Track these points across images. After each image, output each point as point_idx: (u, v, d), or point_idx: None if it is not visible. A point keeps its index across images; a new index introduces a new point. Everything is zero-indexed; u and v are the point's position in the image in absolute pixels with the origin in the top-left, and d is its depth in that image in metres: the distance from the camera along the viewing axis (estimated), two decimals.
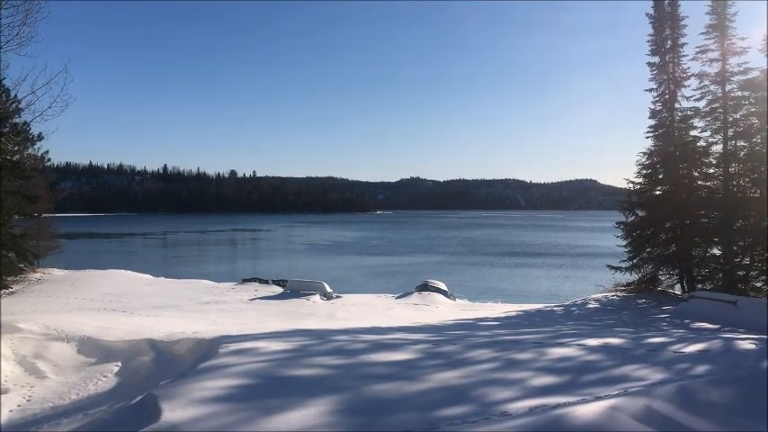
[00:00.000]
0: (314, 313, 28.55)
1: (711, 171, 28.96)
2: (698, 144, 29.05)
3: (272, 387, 7.02)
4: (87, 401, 9.88)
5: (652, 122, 30.16)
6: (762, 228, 25.74)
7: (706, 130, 28.70)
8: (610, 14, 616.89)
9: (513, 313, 27.25)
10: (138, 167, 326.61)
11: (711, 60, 27.65)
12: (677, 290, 29.31)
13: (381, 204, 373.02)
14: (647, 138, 30.45)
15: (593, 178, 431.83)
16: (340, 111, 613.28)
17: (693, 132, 29.40)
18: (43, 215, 44.24)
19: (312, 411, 6.00)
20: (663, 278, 30.10)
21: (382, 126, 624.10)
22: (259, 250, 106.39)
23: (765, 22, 30.32)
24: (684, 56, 29.37)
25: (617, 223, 31.14)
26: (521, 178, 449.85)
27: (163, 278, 44.55)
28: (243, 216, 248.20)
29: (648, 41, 30.03)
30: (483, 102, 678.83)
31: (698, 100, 28.59)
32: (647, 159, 30.36)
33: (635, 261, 29.70)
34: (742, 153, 27.29)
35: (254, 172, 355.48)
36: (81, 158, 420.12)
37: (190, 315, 24.93)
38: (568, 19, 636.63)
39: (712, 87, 27.88)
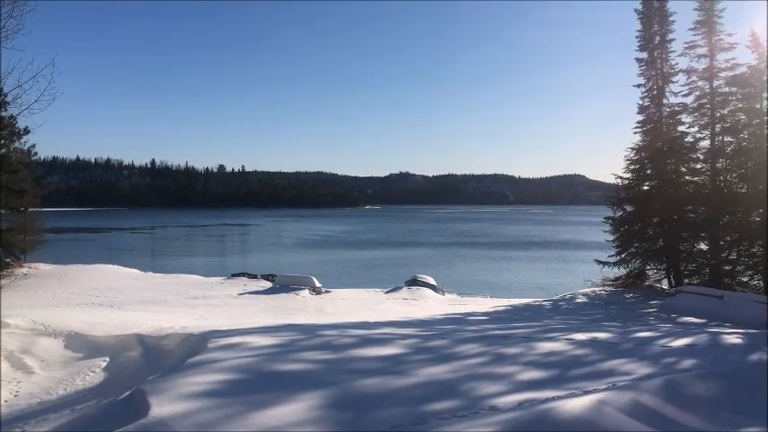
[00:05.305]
0: (303, 308, 28.54)
1: (699, 167, 29.22)
2: (685, 140, 29.29)
3: (261, 382, 7.01)
4: (75, 397, 9.80)
5: (640, 118, 30.38)
6: (748, 223, 25.99)
7: (694, 126, 29.01)
8: (598, 12, 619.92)
9: (502, 308, 27.37)
10: (126, 162, 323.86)
11: (699, 56, 27.89)
12: (664, 284, 29.57)
13: (370, 199, 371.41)
14: (636, 133, 30.71)
15: (582, 173, 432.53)
16: (329, 106, 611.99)
17: (681, 128, 29.71)
18: (30, 209, 43.87)
19: (300, 406, 5.99)
20: (650, 273, 30.35)
21: (371, 121, 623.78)
22: (248, 245, 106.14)
23: (751, 18, 30.60)
24: (672, 52, 29.66)
25: (605, 218, 31.31)
26: (510, 173, 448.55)
27: (151, 273, 44.30)
28: (231, 210, 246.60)
29: (637, 37, 30.24)
30: (472, 98, 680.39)
31: (686, 96, 28.89)
32: (636, 155, 30.53)
33: (623, 256, 29.88)
34: (729, 149, 27.52)
35: (243, 166, 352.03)
36: (68, 153, 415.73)
37: (178, 310, 24.83)
38: (558, 16, 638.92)
39: (700, 83, 28.13)
